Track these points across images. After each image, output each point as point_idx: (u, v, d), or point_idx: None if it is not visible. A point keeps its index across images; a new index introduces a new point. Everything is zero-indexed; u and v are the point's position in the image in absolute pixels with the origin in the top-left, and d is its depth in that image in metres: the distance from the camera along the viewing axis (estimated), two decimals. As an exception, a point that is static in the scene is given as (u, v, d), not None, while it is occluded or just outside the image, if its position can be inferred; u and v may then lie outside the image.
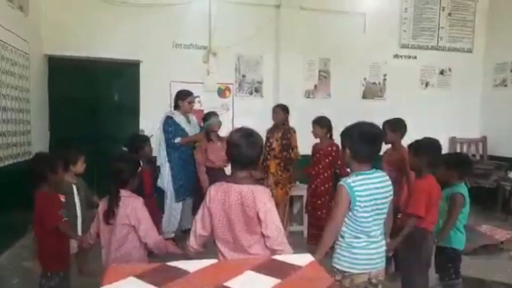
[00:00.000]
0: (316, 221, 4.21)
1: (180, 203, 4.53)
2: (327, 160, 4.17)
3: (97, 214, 2.43)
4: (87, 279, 3.07)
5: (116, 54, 5.56)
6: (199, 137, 4.53)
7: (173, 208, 4.52)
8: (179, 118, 4.56)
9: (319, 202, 4.20)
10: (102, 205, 2.38)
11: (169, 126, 4.51)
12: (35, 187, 2.70)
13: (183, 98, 4.61)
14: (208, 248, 2.15)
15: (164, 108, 5.72)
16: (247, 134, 2.00)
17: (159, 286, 1.39)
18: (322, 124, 4.19)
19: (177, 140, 4.49)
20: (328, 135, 4.22)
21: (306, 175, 4.49)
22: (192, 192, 4.55)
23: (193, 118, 4.83)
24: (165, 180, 4.50)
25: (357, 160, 2.08)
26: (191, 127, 4.66)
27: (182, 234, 4.49)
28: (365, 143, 2.06)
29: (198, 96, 5.88)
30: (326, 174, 4.20)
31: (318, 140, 4.31)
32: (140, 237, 2.30)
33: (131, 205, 2.30)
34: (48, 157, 2.97)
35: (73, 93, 5.45)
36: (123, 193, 2.33)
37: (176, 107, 4.63)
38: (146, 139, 3.98)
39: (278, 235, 1.95)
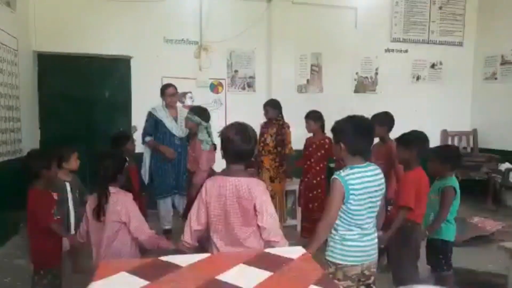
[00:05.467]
0: (309, 214, 4.23)
1: (165, 200, 4.44)
2: (319, 154, 4.19)
3: (85, 211, 2.41)
4: (79, 277, 3.06)
5: (106, 50, 5.51)
6: (169, 154, 4.31)
7: (159, 205, 4.47)
8: (160, 113, 4.44)
9: (310, 195, 4.21)
10: (90, 202, 2.36)
11: (146, 120, 4.46)
12: (28, 184, 2.68)
13: (163, 92, 4.51)
14: (201, 243, 2.16)
15: (156, 104, 5.70)
16: (240, 128, 2.03)
17: (151, 280, 1.39)
18: (315, 118, 4.19)
19: (147, 139, 4.39)
20: (321, 129, 4.23)
21: (297, 167, 4.51)
22: (177, 190, 4.43)
23: (184, 113, 4.59)
24: (146, 176, 4.48)
25: (351, 154, 2.09)
26: (175, 123, 4.47)
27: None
28: (359, 136, 2.07)
29: (190, 92, 5.89)
30: (318, 168, 4.21)
31: (310, 134, 4.32)
32: (132, 232, 2.29)
33: (121, 202, 2.29)
34: (42, 153, 2.94)
35: (63, 90, 5.39)
36: (112, 189, 2.31)
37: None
38: (128, 136, 3.92)
39: (274, 226, 1.97)
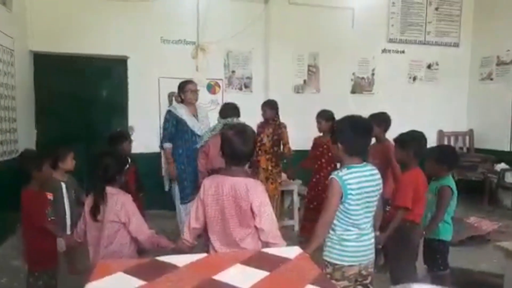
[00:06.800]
0: (312, 214, 4.22)
1: (188, 206, 4.11)
2: (330, 154, 4.16)
3: (83, 211, 2.40)
4: (75, 277, 3.05)
5: (103, 50, 5.50)
6: (172, 174, 4.12)
7: (181, 211, 4.21)
8: (180, 110, 4.15)
9: (323, 195, 4.17)
10: (88, 202, 2.35)
11: (166, 121, 4.16)
12: (23, 185, 2.67)
13: (182, 88, 4.19)
14: (199, 242, 2.16)
15: (153, 104, 5.72)
16: (240, 130, 2.04)
17: (148, 281, 1.39)
18: (328, 117, 4.17)
19: (166, 145, 4.14)
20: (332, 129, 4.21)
21: (302, 169, 4.51)
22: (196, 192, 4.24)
23: (203, 110, 4.44)
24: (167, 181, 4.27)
25: (349, 154, 2.09)
26: (197, 122, 4.21)
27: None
28: (358, 136, 2.08)
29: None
30: (329, 168, 4.16)
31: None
32: (131, 233, 2.28)
33: (120, 202, 2.27)
34: (33, 154, 2.93)
35: (59, 90, 5.37)
36: (111, 190, 2.30)
37: (182, 101, 4.24)
38: (124, 136, 3.78)
39: (272, 228, 1.97)
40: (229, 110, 3.95)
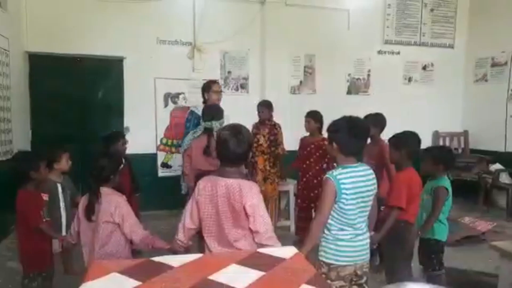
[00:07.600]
0: (305, 214, 4.24)
1: None
2: (318, 154, 4.20)
3: (77, 212, 2.39)
4: (71, 278, 3.04)
5: (99, 51, 5.47)
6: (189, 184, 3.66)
7: None
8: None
9: (312, 194, 4.22)
10: (83, 202, 2.34)
11: (188, 121, 4.02)
12: (18, 186, 2.66)
13: (209, 88, 4.09)
14: (195, 242, 2.16)
15: (149, 105, 5.71)
16: (235, 131, 2.03)
17: (143, 281, 1.38)
18: (316, 118, 4.21)
19: (182, 148, 3.94)
20: (319, 131, 4.25)
21: (293, 169, 4.52)
22: None
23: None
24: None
25: (344, 154, 2.10)
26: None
27: None
28: (353, 137, 2.09)
29: (183, 93, 5.86)
30: (317, 167, 4.22)
31: (305, 134, 4.34)
32: (126, 234, 2.27)
33: (114, 203, 2.27)
34: (30, 155, 2.92)
35: (55, 91, 5.33)
36: (105, 190, 2.30)
37: (206, 102, 4.10)
38: (118, 136, 3.79)
39: (266, 230, 1.96)
40: (212, 112, 3.76)
